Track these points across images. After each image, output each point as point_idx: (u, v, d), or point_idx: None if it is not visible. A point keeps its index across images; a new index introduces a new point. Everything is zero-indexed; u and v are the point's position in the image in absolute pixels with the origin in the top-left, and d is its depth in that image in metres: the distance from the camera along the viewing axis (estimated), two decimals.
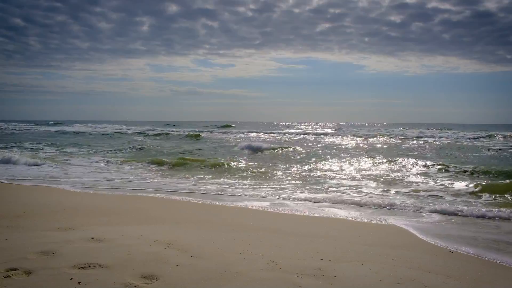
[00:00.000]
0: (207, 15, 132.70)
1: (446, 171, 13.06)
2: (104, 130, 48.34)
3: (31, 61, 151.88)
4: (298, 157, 18.17)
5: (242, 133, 43.78)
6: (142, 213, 6.70)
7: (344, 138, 34.25)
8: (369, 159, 16.46)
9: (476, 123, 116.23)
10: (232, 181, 11.25)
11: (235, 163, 14.88)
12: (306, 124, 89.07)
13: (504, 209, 7.47)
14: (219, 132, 45.49)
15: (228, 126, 61.89)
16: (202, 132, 43.21)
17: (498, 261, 4.68)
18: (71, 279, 3.33)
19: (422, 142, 28.69)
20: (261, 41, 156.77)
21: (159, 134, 38.40)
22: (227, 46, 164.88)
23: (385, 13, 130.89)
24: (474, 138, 31.90)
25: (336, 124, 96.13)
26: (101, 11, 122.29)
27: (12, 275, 3.39)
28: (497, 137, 32.91)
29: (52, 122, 77.56)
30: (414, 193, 9.51)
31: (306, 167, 14.44)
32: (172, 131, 43.86)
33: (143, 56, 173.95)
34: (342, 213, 7.38)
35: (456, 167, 13.51)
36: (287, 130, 48.95)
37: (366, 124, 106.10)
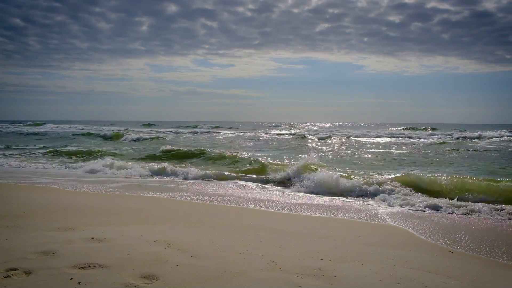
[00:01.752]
0: (206, 15, 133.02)
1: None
2: (71, 131, 45.91)
3: (30, 61, 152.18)
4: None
5: (205, 133, 44.06)
6: (142, 213, 6.70)
7: (299, 137, 34.28)
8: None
9: (476, 123, 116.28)
10: None
11: None
12: (301, 125, 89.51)
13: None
14: (186, 132, 45.84)
15: (217, 126, 62.50)
16: (169, 133, 43.64)
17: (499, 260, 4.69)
18: (71, 279, 3.33)
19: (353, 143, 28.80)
20: (260, 41, 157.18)
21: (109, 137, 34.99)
22: (227, 46, 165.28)
23: (384, 13, 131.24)
24: (459, 138, 31.50)
25: (333, 124, 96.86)
26: (100, 11, 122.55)
27: (12, 275, 3.39)
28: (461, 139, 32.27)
29: (31, 122, 75.47)
30: None
31: None
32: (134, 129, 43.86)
33: (142, 56, 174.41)
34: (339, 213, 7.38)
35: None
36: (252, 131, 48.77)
37: (362, 124, 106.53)
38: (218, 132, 46.18)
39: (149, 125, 73.86)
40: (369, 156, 18.88)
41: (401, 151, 21.27)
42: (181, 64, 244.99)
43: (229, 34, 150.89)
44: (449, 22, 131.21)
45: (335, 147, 24.64)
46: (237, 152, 18.08)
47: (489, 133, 36.34)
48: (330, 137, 33.59)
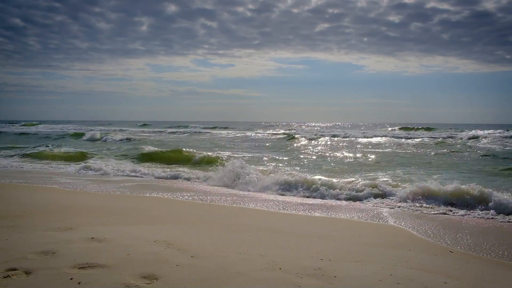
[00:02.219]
0: (206, 15, 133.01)
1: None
2: (62, 131, 45.23)
3: (30, 61, 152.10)
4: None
5: (196, 133, 44.69)
6: (142, 213, 6.70)
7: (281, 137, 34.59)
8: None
9: (476, 123, 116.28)
10: None
11: None
12: (299, 125, 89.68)
13: None
14: (170, 132, 46.40)
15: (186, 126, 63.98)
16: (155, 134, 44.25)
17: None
18: (71, 279, 3.33)
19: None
20: (260, 41, 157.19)
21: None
22: (227, 46, 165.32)
23: (384, 13, 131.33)
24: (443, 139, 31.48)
25: (331, 124, 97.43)
26: (100, 11, 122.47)
27: (12, 275, 3.39)
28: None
29: (26, 122, 75.61)
30: None
31: None
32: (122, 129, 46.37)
33: (142, 56, 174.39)
34: (338, 212, 7.38)
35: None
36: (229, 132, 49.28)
37: (361, 124, 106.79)
38: (210, 132, 46.38)
39: (145, 125, 74.33)
40: (345, 156, 18.79)
41: (380, 152, 20.87)
42: (181, 64, 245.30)
43: (229, 34, 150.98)
44: (449, 22, 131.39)
45: (317, 147, 24.46)
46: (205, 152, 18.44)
47: (484, 132, 36.44)
48: (319, 137, 33.79)
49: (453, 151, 20.65)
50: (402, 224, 6.53)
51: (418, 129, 50.20)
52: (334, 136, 35.62)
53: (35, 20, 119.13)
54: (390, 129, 55.05)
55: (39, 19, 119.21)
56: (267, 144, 27.80)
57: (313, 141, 29.40)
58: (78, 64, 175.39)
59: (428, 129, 49.06)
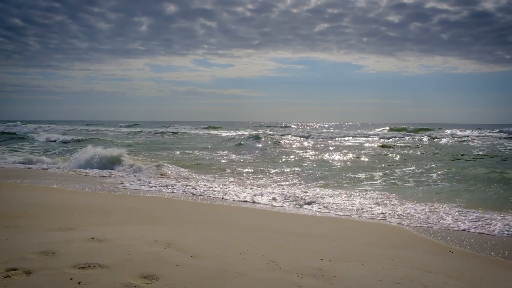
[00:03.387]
0: (206, 15, 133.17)
1: None
2: (28, 131, 45.02)
3: (30, 61, 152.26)
4: None
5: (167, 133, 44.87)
6: (142, 213, 6.70)
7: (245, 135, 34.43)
8: None
9: (475, 123, 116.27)
10: None
11: None
12: (298, 124, 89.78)
13: None
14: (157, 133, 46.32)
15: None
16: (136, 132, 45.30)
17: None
18: (71, 279, 3.33)
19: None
20: (260, 41, 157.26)
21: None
22: (226, 46, 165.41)
23: (383, 13, 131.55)
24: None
25: (328, 124, 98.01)
26: (100, 11, 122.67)
27: (12, 275, 3.39)
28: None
29: (18, 123, 77.10)
30: None
31: None
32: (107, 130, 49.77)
33: (142, 56, 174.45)
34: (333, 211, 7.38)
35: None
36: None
37: (360, 123, 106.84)
38: (185, 133, 45.81)
39: (135, 125, 74.82)
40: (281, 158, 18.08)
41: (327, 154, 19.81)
42: (180, 64, 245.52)
43: (228, 34, 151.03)
44: (448, 22, 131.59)
45: (263, 149, 23.65)
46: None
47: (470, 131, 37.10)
48: (284, 136, 34.21)
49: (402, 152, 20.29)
50: (402, 224, 6.53)
51: (405, 129, 49.54)
52: (303, 137, 35.06)
53: (35, 20, 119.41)
54: (379, 129, 54.39)
55: (39, 19, 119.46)
56: (223, 143, 27.91)
57: (269, 142, 28.10)
58: (78, 64, 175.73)
59: (425, 129, 48.73)
